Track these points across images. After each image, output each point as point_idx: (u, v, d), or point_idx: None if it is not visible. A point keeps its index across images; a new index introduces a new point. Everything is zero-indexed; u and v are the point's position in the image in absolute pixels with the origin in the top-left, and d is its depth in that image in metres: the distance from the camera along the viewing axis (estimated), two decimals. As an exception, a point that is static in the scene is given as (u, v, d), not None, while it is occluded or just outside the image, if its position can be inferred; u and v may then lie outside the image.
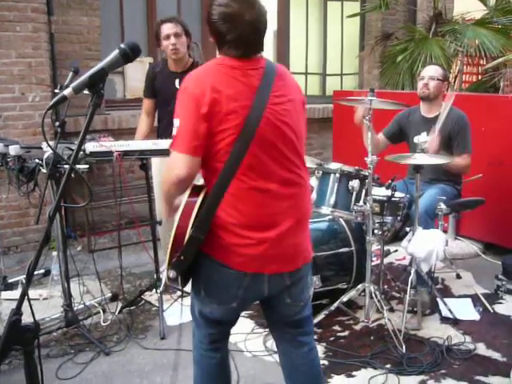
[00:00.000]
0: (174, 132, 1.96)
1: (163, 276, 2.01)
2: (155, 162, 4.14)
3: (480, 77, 7.50)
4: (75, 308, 3.44)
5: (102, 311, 3.61)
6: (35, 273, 1.76)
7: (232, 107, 1.92)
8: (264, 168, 1.99)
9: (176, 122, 1.96)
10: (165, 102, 3.88)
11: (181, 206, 1.96)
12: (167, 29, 3.73)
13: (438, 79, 4.01)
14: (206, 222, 1.94)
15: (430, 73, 4.04)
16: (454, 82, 6.88)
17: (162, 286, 2.05)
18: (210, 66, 2.03)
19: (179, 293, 3.84)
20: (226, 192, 1.94)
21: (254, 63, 2.04)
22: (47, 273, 4.01)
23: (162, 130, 3.92)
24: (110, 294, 3.82)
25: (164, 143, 3.33)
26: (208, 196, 1.96)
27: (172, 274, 1.93)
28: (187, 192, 1.99)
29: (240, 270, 1.99)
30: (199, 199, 1.96)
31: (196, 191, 1.99)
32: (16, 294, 3.73)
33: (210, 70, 2.01)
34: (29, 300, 1.72)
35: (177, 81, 3.82)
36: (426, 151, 3.55)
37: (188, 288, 3.74)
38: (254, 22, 1.99)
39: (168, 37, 3.73)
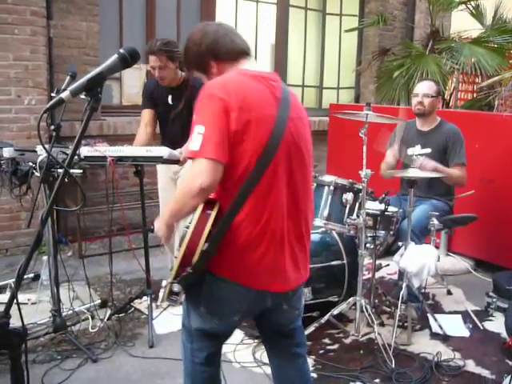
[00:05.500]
0: (198, 140, 1.82)
1: (162, 290, 1.93)
2: (160, 169, 4.12)
3: (475, 94, 7.56)
4: (64, 313, 3.41)
5: (90, 317, 3.59)
6: (24, 277, 1.73)
7: (261, 115, 1.90)
8: (280, 180, 1.95)
9: (200, 128, 1.84)
10: (164, 116, 3.94)
11: (194, 219, 1.86)
12: (151, 61, 3.72)
13: (431, 96, 4.05)
14: (220, 235, 1.85)
15: (424, 90, 4.07)
16: (450, 99, 6.93)
17: (160, 300, 1.96)
18: (233, 75, 1.99)
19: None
20: (246, 204, 1.87)
21: (273, 75, 2.06)
22: (36, 277, 3.97)
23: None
24: (99, 301, 3.80)
25: (158, 150, 3.31)
26: (226, 206, 1.87)
27: (177, 287, 1.85)
28: (200, 205, 1.88)
29: (248, 286, 1.95)
30: (213, 213, 1.86)
31: (208, 204, 1.88)
32: (4, 297, 3.70)
33: (236, 78, 1.96)
34: (18, 304, 1.70)
35: (169, 97, 3.86)
36: (419, 167, 3.56)
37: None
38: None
39: (153, 68, 3.76)
